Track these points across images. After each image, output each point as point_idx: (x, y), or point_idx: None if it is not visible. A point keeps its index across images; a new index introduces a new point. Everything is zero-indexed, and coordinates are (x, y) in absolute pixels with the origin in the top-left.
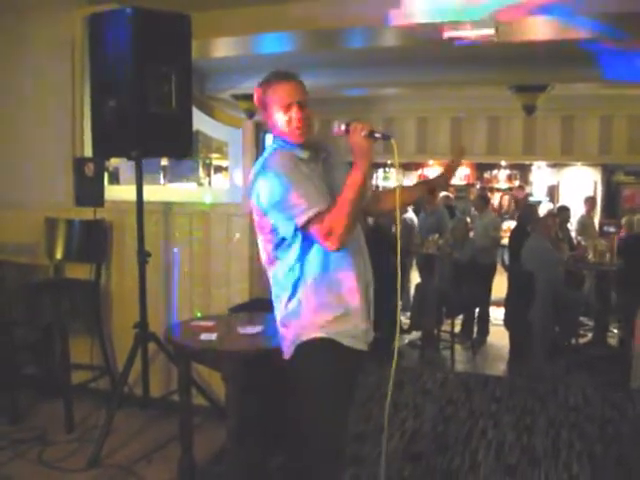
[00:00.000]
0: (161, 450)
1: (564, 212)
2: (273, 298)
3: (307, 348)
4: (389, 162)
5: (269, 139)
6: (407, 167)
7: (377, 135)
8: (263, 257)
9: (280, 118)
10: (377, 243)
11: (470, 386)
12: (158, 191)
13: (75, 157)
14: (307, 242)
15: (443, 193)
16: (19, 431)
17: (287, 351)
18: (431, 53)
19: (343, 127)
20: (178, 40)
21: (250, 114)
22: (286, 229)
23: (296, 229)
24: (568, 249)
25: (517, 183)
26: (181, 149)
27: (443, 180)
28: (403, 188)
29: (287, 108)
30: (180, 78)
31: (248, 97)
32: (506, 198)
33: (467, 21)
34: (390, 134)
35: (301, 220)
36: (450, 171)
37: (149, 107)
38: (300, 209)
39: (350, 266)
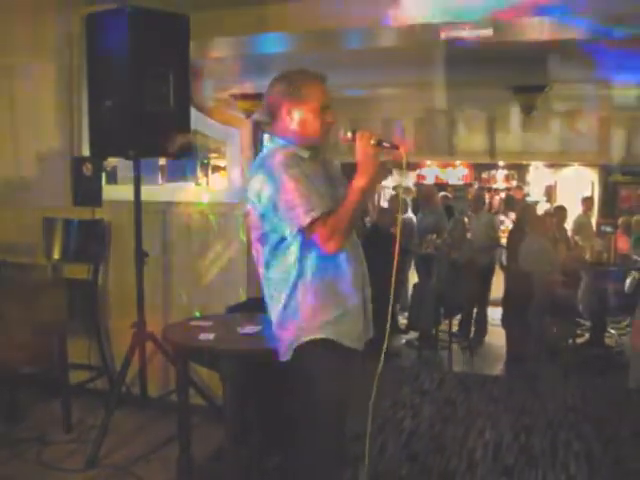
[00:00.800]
0: (159, 450)
1: (561, 212)
2: (267, 300)
3: (307, 349)
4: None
5: (267, 138)
6: None
7: (385, 144)
8: (258, 258)
9: (311, 117)
10: (376, 243)
11: (468, 386)
12: (156, 191)
13: (73, 157)
14: (306, 243)
15: (442, 193)
16: (17, 431)
17: (284, 353)
18: (429, 54)
19: (349, 135)
20: (176, 40)
21: (248, 114)
22: (287, 229)
23: (298, 230)
24: (565, 249)
25: (515, 183)
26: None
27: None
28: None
29: (324, 110)
30: (178, 78)
31: (247, 97)
32: (497, 198)
33: (465, 21)
34: (397, 144)
35: (305, 221)
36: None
37: (146, 107)
38: (303, 210)
39: (348, 266)
